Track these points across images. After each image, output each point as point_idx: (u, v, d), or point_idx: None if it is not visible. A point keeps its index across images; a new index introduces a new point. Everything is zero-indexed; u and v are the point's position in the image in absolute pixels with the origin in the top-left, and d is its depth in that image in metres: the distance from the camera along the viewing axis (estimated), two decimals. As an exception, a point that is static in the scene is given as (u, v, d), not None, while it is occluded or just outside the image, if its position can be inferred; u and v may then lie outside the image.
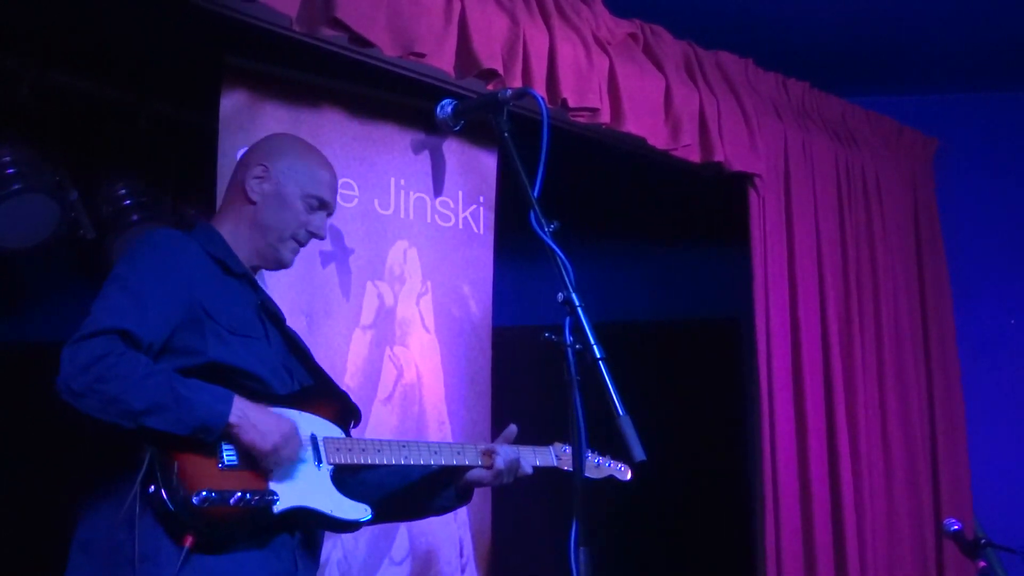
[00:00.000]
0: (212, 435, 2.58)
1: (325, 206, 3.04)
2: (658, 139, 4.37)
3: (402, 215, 4.16)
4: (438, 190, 4.27)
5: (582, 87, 4.08)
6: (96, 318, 2.59)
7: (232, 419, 2.59)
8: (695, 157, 4.51)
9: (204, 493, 2.52)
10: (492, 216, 4.39)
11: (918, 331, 5.19)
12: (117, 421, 2.51)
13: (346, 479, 2.91)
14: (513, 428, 3.15)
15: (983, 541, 3.99)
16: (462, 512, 4.12)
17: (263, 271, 3.10)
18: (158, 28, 3.98)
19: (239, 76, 3.83)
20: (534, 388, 2.91)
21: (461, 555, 4.16)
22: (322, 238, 3.07)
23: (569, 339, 2.45)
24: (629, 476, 3.37)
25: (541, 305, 2.78)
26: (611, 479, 3.37)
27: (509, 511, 4.39)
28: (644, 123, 4.30)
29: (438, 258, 4.24)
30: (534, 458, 3.18)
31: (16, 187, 4.52)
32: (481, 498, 4.20)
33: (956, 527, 4.07)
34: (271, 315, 2.98)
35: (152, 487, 2.53)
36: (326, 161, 3.13)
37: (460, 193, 4.33)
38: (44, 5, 3.93)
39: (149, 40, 4.12)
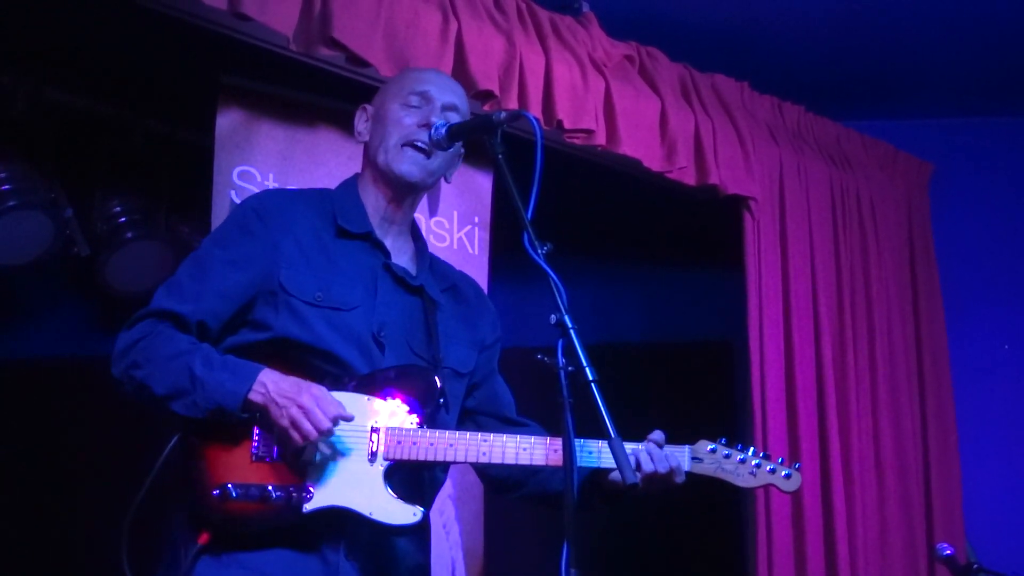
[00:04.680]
0: (231, 417, 2.39)
1: (428, 99, 2.73)
2: (653, 161, 4.38)
3: (397, 235, 4.15)
4: (433, 210, 4.27)
5: (578, 109, 4.09)
6: (154, 296, 2.52)
7: (254, 397, 2.39)
8: (690, 179, 4.51)
9: (224, 487, 2.36)
10: (487, 237, 4.40)
11: (912, 355, 5.19)
12: (150, 407, 2.41)
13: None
14: (659, 435, 2.66)
15: (975, 566, 3.97)
16: (454, 532, 4.10)
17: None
18: (154, 46, 3.98)
19: (235, 95, 3.84)
20: (527, 410, 2.88)
21: (453, 575, 4.15)
22: (433, 127, 2.68)
23: (562, 361, 2.42)
24: (794, 488, 2.79)
25: (535, 327, 2.77)
26: (770, 488, 2.79)
27: (501, 532, 4.37)
28: (639, 145, 4.31)
29: (432, 278, 4.23)
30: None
31: (11, 203, 4.53)
32: (473, 518, 4.18)
33: (948, 552, 4.06)
34: (399, 280, 2.72)
35: (180, 477, 2.42)
36: (426, 68, 2.92)
37: (455, 213, 4.34)
38: (40, 22, 3.94)
39: (145, 58, 4.13)
